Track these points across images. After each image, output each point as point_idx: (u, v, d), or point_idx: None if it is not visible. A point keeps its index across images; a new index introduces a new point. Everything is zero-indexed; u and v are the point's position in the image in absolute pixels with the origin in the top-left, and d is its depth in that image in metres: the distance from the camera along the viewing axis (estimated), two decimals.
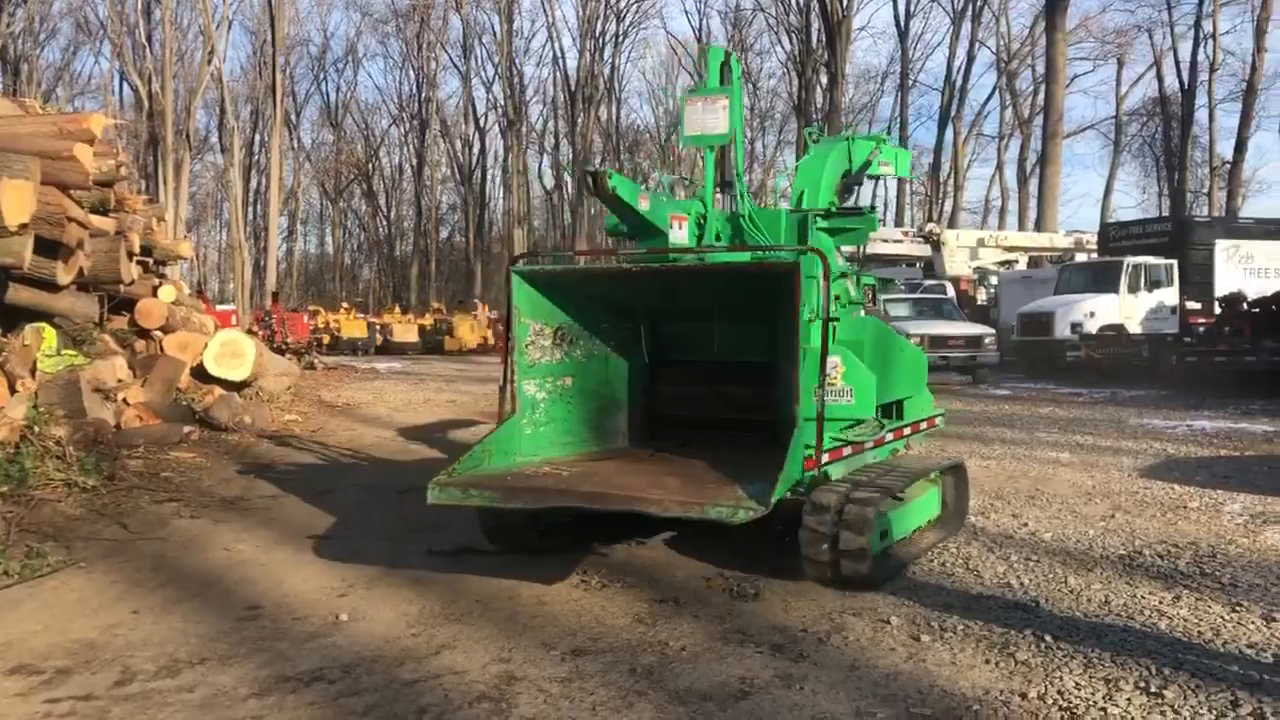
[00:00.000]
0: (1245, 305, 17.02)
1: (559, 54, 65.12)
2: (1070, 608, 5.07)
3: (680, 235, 6.07)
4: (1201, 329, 19.03)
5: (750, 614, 4.97)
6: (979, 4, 49.04)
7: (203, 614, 4.97)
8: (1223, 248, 21.64)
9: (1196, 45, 37.24)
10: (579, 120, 57.18)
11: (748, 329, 6.11)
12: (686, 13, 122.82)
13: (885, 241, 27.03)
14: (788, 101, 63.74)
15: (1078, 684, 4.07)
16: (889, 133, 60.64)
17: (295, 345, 28.24)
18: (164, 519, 7.01)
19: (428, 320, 42.09)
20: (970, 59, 50.12)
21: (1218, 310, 18.26)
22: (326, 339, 37.27)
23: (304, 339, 32.99)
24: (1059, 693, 3.98)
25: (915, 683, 4.09)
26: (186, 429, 10.59)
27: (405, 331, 39.25)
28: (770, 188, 73.95)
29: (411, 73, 68.08)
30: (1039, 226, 34.11)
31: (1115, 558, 6.02)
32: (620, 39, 62.33)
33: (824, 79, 55.48)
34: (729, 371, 6.35)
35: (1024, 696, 3.95)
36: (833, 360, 5.33)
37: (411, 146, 70.67)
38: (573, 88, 58.26)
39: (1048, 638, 4.58)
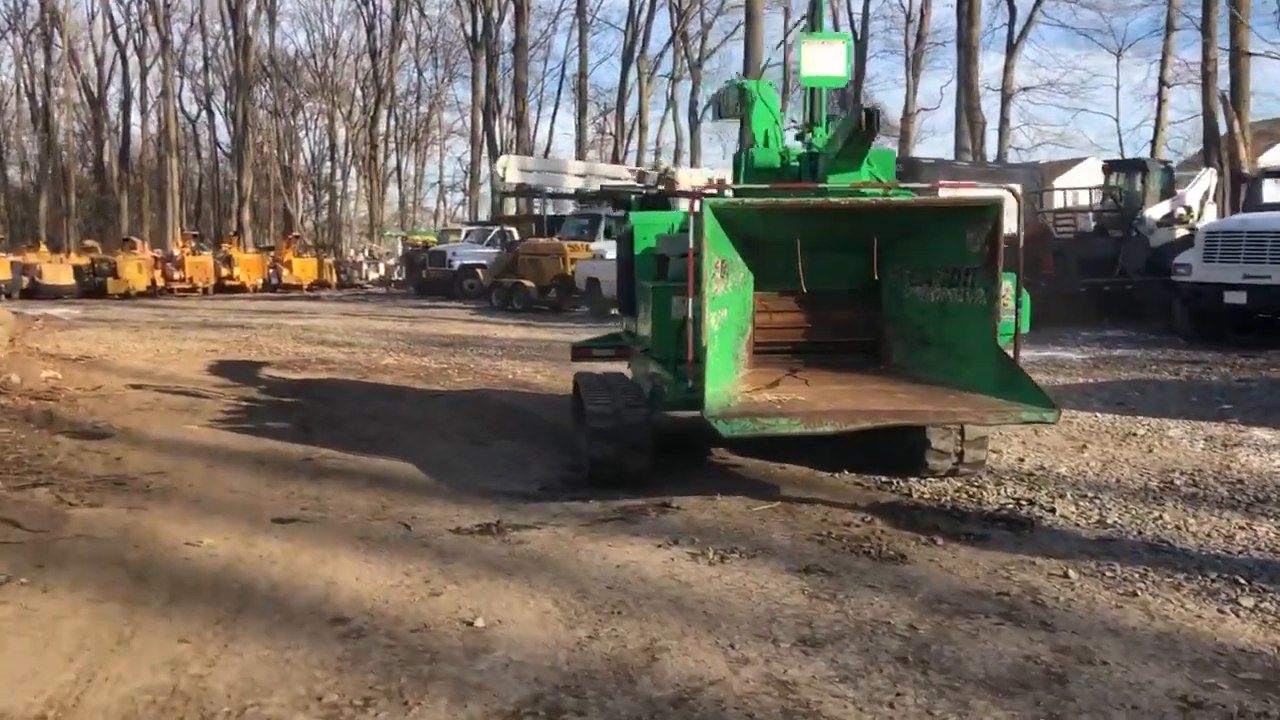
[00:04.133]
0: None
1: None
2: (1203, 545, 4.92)
3: None
4: None
5: (919, 579, 4.44)
6: None
7: (278, 635, 3.78)
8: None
9: None
10: (242, 41, 52.47)
11: (851, 260, 6.14)
12: None
13: (611, 180, 26.76)
14: (456, 32, 61.96)
15: None
16: (565, 71, 60.58)
17: None
18: (54, 510, 5.44)
19: (83, 260, 37.30)
20: (653, 1, 50.61)
21: None
22: None
23: None
24: None
25: (1199, 644, 3.74)
26: None
27: (58, 273, 34.44)
28: (434, 121, 72.07)
29: None
30: None
31: (1157, 489, 5.99)
32: None
33: (496, 12, 54.40)
34: (824, 299, 6.27)
35: None
36: (1006, 285, 5.46)
37: (29, 64, 62.13)
38: (234, 5, 53.28)
39: (1240, 580, 4.39)
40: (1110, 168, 19.37)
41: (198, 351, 13.86)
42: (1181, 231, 17.82)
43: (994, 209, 5.41)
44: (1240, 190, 17.28)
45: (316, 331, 17.04)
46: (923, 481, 6.16)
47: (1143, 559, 4.72)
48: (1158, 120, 38.11)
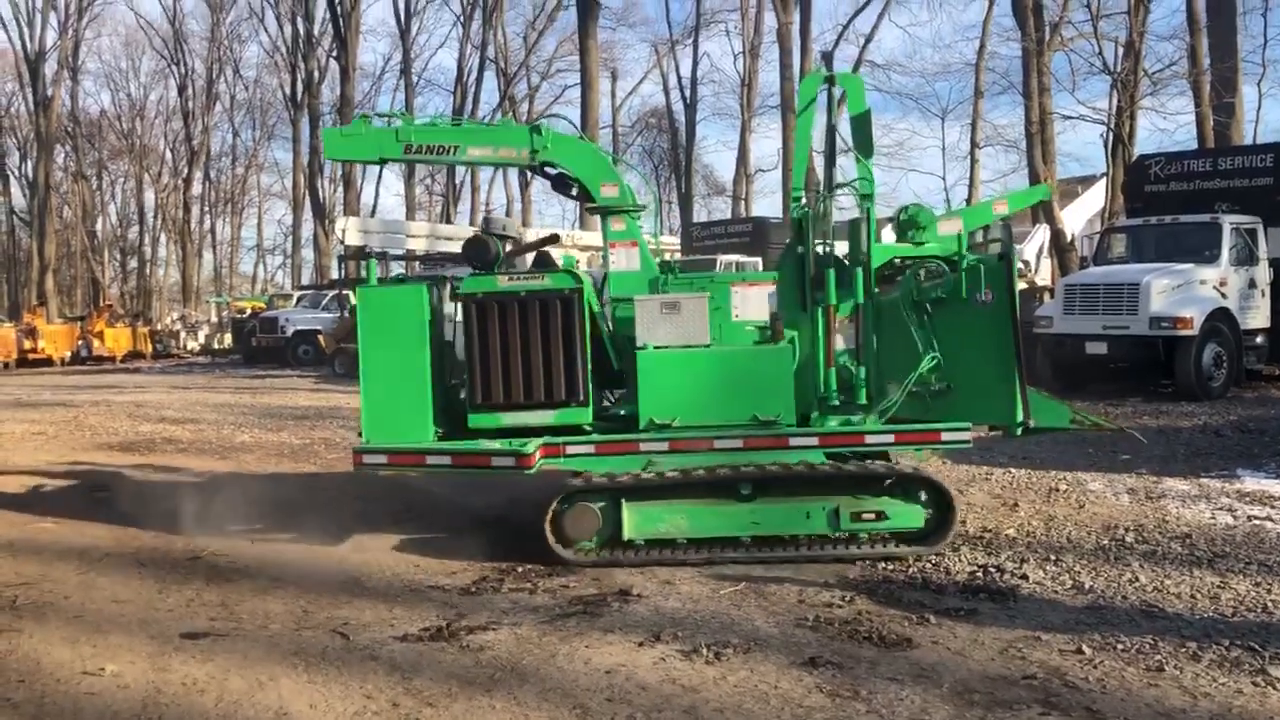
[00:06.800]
0: None
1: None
2: (1193, 608, 4.77)
3: None
4: None
5: (935, 665, 4.10)
6: (489, 7, 49.04)
7: None
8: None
9: (696, 64, 40.48)
10: (43, 101, 49.41)
11: None
12: None
13: (452, 240, 26.15)
14: (274, 93, 60.20)
15: None
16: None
17: None
18: None
19: None
20: (482, 63, 50.30)
21: None
22: None
23: None
24: None
25: None
26: None
27: None
28: (251, 182, 69.50)
29: None
30: (584, 227, 35.13)
31: (1113, 548, 5.85)
32: (82, 12, 54.75)
33: (317, 73, 53.07)
34: None
35: None
36: None
37: None
38: (31, 58, 50.19)
39: (1255, 646, 4.22)
40: None
41: (21, 435, 12.52)
42: (1021, 285, 18.46)
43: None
44: (1079, 244, 18.02)
45: (151, 407, 15.74)
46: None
47: (1143, 627, 4.52)
48: (971, 179, 40.16)
